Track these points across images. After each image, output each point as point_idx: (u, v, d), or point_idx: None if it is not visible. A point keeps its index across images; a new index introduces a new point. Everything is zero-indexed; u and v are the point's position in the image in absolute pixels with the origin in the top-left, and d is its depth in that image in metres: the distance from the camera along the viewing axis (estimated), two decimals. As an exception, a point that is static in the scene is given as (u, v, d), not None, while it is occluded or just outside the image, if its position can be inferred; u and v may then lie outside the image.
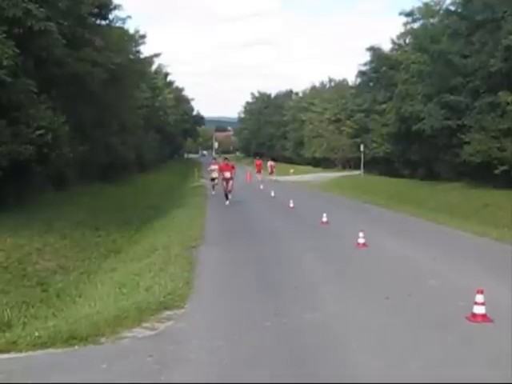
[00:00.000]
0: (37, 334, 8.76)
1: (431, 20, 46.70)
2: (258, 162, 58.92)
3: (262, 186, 46.54)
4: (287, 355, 7.90)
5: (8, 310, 12.24)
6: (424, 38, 40.79)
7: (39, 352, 8.22)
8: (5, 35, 20.54)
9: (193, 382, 6.90)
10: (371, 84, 64.23)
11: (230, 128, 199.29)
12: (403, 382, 6.89)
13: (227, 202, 31.85)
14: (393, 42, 59.88)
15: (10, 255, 16.82)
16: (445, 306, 10.12)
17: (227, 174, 32.72)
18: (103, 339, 8.67)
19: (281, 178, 58.84)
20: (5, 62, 20.01)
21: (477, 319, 9.06)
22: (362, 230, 17.09)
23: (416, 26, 49.81)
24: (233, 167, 33.95)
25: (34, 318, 11.72)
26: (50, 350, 8.27)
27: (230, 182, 32.64)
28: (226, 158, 37.10)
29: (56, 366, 7.64)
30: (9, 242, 17.86)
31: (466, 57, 36.14)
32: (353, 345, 8.22)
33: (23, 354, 8.14)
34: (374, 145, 58.79)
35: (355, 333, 8.76)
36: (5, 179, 21.29)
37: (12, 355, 8.10)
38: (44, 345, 8.39)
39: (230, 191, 32.61)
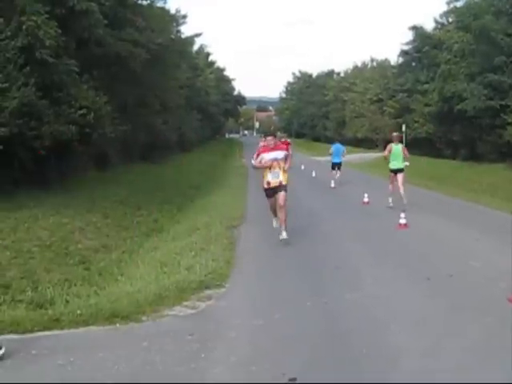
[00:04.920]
0: (79, 311, 8.86)
1: (475, -2, 45.93)
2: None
3: (303, 167, 46.33)
4: (327, 335, 7.88)
5: (51, 287, 12.37)
6: (467, 16, 40.10)
7: (81, 329, 8.32)
8: (47, 16, 20.64)
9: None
10: (413, 64, 63.27)
11: (271, 108, 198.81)
12: (444, 364, 6.82)
13: (283, 235, 14.40)
14: (436, 21, 58.97)
15: (53, 234, 17.00)
16: (486, 288, 9.98)
17: (275, 179, 14.83)
18: (144, 317, 8.75)
19: (322, 159, 58.52)
20: (47, 43, 20.12)
21: (518, 301, 8.95)
22: (403, 211, 16.97)
23: (459, 4, 48.97)
24: (282, 157, 14.84)
25: (76, 296, 11.81)
26: (92, 328, 8.37)
27: (282, 194, 14.63)
28: (269, 135, 15.65)
29: (97, 343, 7.71)
30: (52, 220, 18.06)
31: (509, 35, 35.57)
32: (393, 326, 8.16)
33: (65, 332, 8.24)
34: (416, 125, 58.06)
35: (396, 314, 8.69)
36: (48, 159, 21.55)
37: (54, 332, 8.20)
38: (86, 322, 8.48)
39: (281, 208, 14.65)
